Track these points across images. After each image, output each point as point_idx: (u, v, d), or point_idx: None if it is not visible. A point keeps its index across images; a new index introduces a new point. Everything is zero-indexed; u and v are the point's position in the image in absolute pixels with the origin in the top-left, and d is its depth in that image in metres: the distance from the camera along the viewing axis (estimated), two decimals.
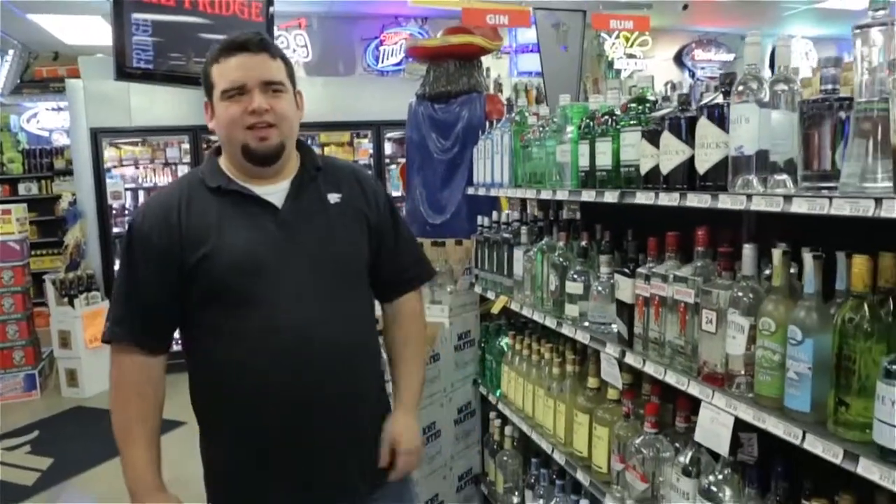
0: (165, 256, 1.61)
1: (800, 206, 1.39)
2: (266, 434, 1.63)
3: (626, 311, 2.04)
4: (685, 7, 6.95)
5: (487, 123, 3.26)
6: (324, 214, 1.67)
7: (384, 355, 1.92)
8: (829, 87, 1.37)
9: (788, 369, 1.45)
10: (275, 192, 1.65)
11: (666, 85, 3.26)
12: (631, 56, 8.04)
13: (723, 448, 1.65)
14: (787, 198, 1.42)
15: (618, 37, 7.85)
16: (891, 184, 1.23)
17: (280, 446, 1.63)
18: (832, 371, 1.35)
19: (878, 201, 1.22)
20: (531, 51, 6.59)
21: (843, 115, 1.34)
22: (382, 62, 7.79)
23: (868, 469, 1.26)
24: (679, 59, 9.41)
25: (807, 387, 1.41)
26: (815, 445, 1.37)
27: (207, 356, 1.65)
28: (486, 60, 5.29)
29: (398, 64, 7.66)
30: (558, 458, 2.52)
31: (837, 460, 1.32)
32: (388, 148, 7.23)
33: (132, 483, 1.64)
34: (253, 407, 1.62)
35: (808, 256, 1.43)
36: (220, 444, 1.71)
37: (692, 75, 9.16)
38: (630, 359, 2.01)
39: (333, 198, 1.70)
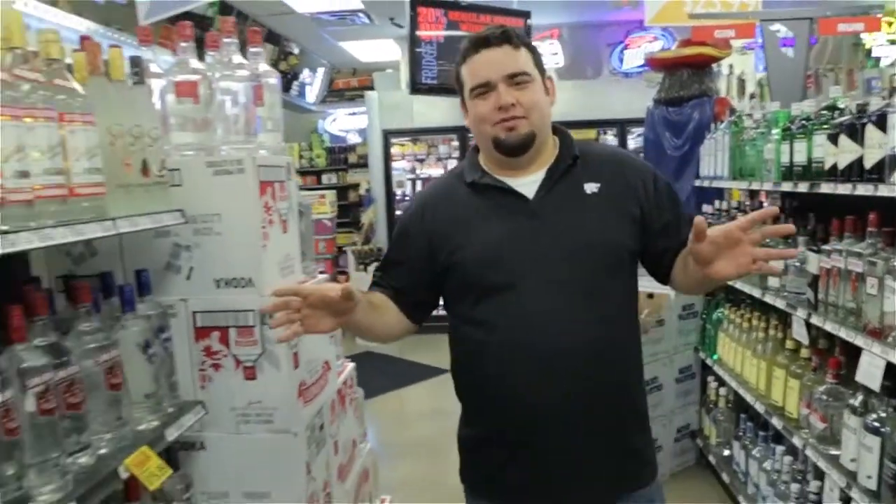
0: (418, 250, 1.66)
1: None
2: (509, 426, 1.61)
3: (813, 281, 2.50)
4: None
5: (714, 124, 3.74)
6: (579, 205, 1.59)
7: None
8: None
9: None
10: (529, 182, 1.61)
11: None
12: (894, 42, 7.50)
13: (875, 385, 2.08)
14: None
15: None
16: None
17: (521, 438, 1.59)
18: None
19: None
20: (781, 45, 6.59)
21: None
22: (627, 64, 8.27)
23: None
24: None
25: None
26: None
27: (460, 343, 1.68)
28: (730, 58, 5.59)
29: (642, 66, 8.08)
30: (759, 408, 2.99)
31: None
32: (632, 143, 7.72)
33: None
34: (496, 398, 1.61)
35: None
36: (468, 424, 1.73)
37: None
38: (815, 319, 2.46)
39: (591, 187, 1.60)
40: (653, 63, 4.34)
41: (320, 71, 9.99)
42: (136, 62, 1.62)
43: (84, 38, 1.50)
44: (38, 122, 1.21)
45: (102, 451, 1.42)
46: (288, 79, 8.50)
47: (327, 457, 2.08)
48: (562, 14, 7.71)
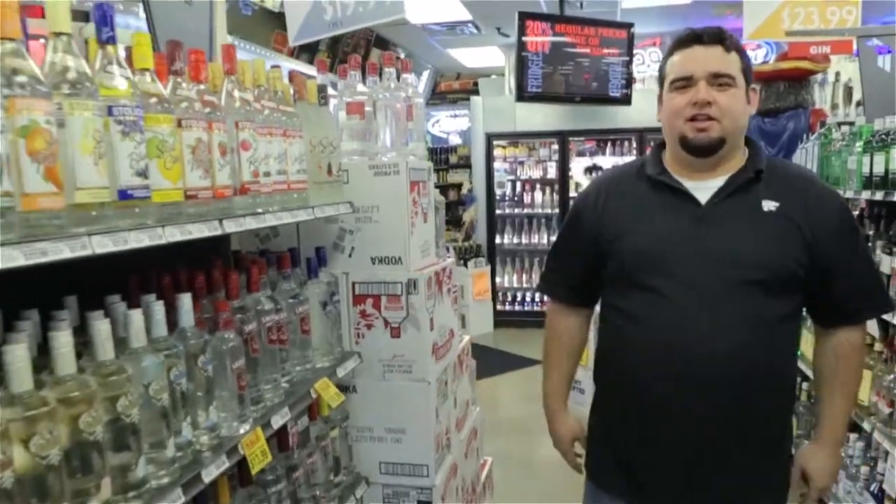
0: (586, 233, 1.73)
1: None
2: (636, 421, 1.63)
3: (887, 281, 2.75)
4: None
5: (806, 135, 3.97)
6: (751, 220, 1.55)
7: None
8: None
9: None
10: (706, 187, 1.59)
11: None
12: None
13: None
14: None
15: None
16: None
17: (646, 435, 1.62)
18: None
19: None
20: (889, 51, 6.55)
21: None
22: None
23: None
24: None
25: None
26: None
27: (606, 330, 1.73)
28: (836, 64, 5.69)
29: None
30: None
31: None
32: None
33: (544, 405, 1.94)
34: (629, 394, 1.64)
35: None
36: (598, 411, 1.81)
37: None
38: (886, 315, 2.72)
39: (769, 205, 1.55)
40: None
41: (425, 74, 10.54)
42: (322, 89, 2.12)
43: (292, 73, 2.01)
44: (275, 137, 1.71)
45: (296, 378, 1.92)
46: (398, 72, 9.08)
47: (449, 408, 2.54)
48: (665, 23, 7.92)
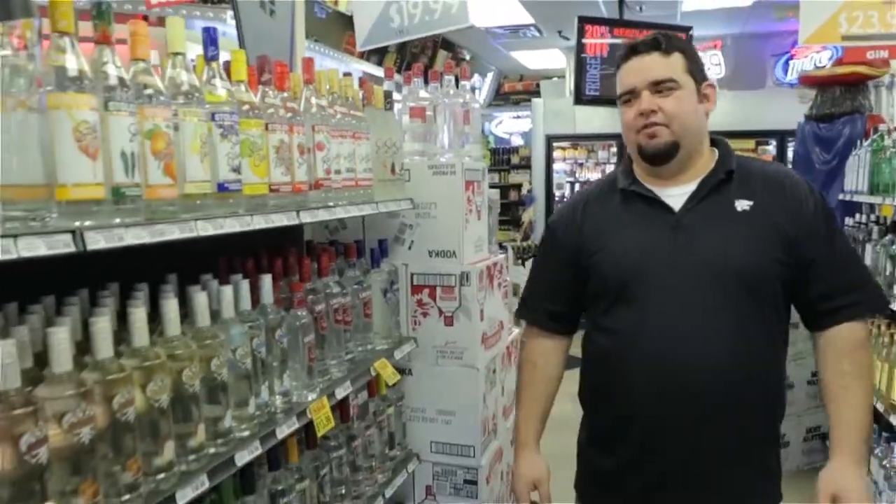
0: (566, 252, 1.69)
1: None
2: (625, 440, 1.59)
3: None
4: None
5: (861, 140, 3.97)
6: (726, 222, 1.52)
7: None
8: None
9: None
10: (679, 194, 1.57)
11: None
12: None
13: None
14: None
15: None
16: None
17: (634, 455, 1.58)
18: None
19: None
20: None
21: None
22: (792, 75, 8.20)
23: None
24: None
25: None
26: None
27: (589, 348, 1.69)
28: None
29: (795, 81, 7.96)
30: (879, 406, 3.27)
31: None
32: (791, 155, 7.73)
33: (514, 438, 1.86)
34: (617, 412, 1.60)
35: None
36: (584, 427, 1.77)
37: None
38: None
39: (742, 205, 1.53)
40: (807, 81, 4.58)
41: (489, 76, 10.72)
42: (388, 94, 2.32)
43: (362, 80, 2.22)
44: (345, 139, 1.92)
45: (357, 357, 2.13)
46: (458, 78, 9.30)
47: (497, 395, 2.71)
48: (726, 26, 7.89)
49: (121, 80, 1.13)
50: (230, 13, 3.80)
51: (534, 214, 8.05)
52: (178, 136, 1.26)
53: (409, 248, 2.50)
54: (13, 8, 0.92)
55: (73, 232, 1.00)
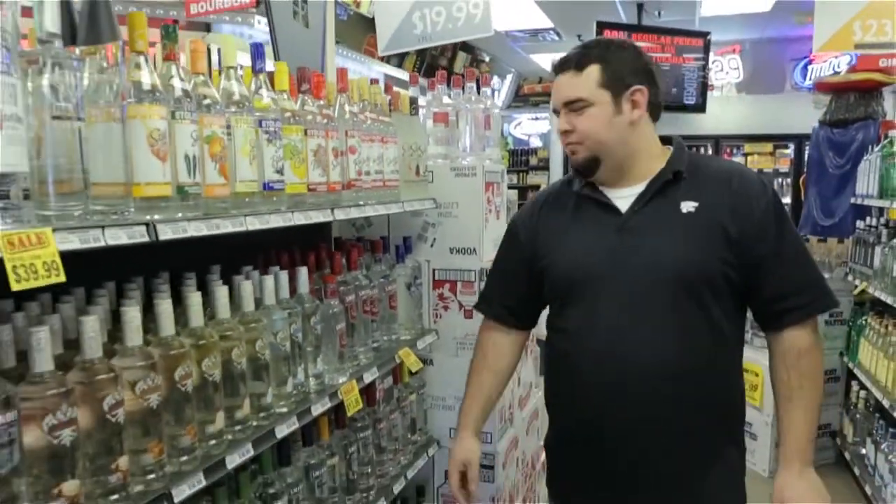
0: (523, 253, 1.74)
1: None
2: (575, 437, 1.66)
3: None
4: None
5: (873, 145, 4.06)
6: (671, 224, 1.53)
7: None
8: None
9: None
10: (628, 196, 1.59)
11: None
12: None
13: None
14: None
15: None
16: None
17: (591, 452, 1.62)
18: None
19: None
20: None
21: None
22: (810, 79, 8.25)
23: None
24: None
25: None
26: None
27: (549, 350, 1.73)
28: None
29: (811, 86, 7.99)
30: (885, 403, 3.37)
31: None
32: (806, 159, 7.78)
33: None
34: (570, 412, 1.67)
35: None
36: (549, 426, 1.82)
37: None
38: None
39: (687, 206, 1.53)
40: (821, 87, 4.68)
41: (508, 78, 10.84)
42: (413, 101, 2.47)
43: (388, 85, 2.37)
44: (375, 143, 2.07)
45: (383, 346, 2.28)
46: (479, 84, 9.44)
47: (512, 386, 2.85)
48: (745, 30, 7.95)
49: (185, 91, 1.29)
50: (258, 18, 3.99)
51: None
52: (230, 140, 1.42)
53: (432, 245, 2.65)
54: (101, 32, 1.08)
55: (147, 224, 1.16)
